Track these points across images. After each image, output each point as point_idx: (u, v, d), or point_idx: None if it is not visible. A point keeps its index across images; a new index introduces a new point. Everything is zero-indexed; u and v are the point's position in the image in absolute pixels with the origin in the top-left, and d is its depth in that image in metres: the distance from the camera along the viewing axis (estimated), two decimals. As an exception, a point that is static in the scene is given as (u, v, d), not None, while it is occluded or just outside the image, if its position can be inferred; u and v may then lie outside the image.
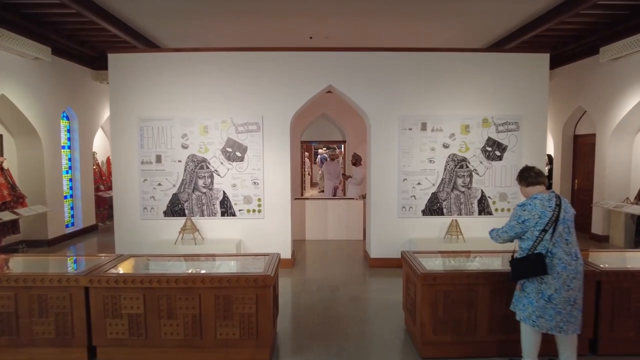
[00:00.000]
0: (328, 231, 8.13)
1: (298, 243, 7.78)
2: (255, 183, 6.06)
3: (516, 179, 3.27)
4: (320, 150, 16.91)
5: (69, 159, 8.51)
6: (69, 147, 8.51)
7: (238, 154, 6.03)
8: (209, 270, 3.96)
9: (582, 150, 8.72)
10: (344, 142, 11.33)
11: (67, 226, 8.31)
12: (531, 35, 6.98)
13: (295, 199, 8.48)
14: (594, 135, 8.01)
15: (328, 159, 11.20)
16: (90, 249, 7.66)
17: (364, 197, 8.51)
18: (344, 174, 9.59)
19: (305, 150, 16.78)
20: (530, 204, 3.01)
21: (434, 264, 3.95)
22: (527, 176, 3.15)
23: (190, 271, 3.71)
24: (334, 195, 10.51)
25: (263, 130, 6.03)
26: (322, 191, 11.09)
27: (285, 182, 6.10)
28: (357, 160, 9.31)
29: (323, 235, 8.13)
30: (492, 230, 3.33)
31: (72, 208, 8.61)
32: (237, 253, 5.58)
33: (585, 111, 8.24)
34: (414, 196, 6.13)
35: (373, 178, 6.17)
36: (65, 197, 8.26)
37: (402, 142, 6.07)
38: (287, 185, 6.11)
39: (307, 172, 16.77)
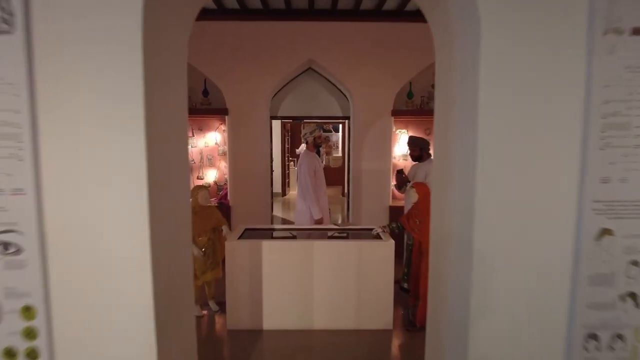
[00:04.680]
0: (314, 311, 3.61)
1: (244, 338, 3.31)
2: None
3: None
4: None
5: None
6: None
7: None
8: None
9: None
10: (345, 118, 6.50)
11: None
12: None
13: (246, 230, 3.99)
14: None
15: (305, 147, 5.43)
16: None
17: (385, 229, 3.90)
18: (398, 171, 4.42)
19: (289, 132, 12.15)
20: None
21: None
22: None
23: None
24: (319, 221, 4.57)
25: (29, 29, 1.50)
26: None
27: (142, 229, 1.59)
28: (421, 149, 4.51)
29: (304, 320, 3.62)
30: None
31: None
32: None
33: None
34: (634, 296, 1.65)
35: (464, 215, 1.63)
36: None
37: (603, 84, 1.53)
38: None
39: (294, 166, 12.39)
